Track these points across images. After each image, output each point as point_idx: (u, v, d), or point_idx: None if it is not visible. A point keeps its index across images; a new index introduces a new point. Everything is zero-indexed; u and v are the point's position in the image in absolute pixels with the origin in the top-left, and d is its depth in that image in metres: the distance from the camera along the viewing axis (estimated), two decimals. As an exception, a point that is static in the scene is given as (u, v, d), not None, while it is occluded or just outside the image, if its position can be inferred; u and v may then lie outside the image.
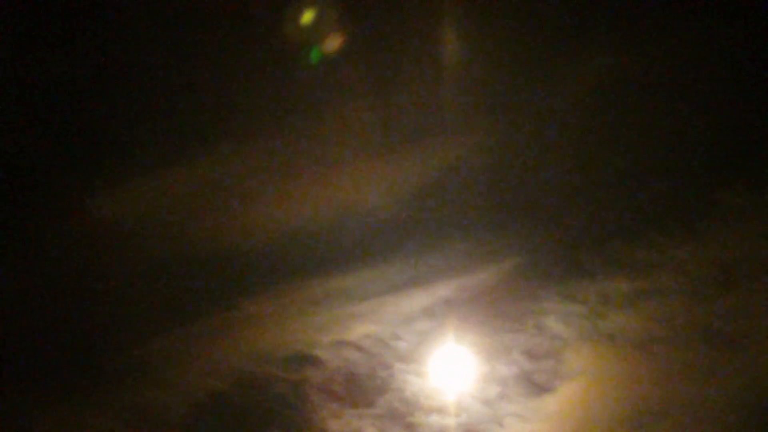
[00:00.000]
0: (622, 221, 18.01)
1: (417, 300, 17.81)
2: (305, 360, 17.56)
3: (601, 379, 17.32)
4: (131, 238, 17.45)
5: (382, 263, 17.88)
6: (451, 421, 17.22)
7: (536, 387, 17.40)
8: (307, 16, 17.79)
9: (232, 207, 17.81)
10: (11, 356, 16.85)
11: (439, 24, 18.13)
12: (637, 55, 18.39)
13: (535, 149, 18.07)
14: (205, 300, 17.54)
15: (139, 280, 17.40)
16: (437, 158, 18.07)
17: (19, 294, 17.10)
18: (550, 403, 17.25)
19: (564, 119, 18.09)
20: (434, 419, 17.22)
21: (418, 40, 18.15)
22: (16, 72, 17.60)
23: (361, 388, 17.51)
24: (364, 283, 17.85)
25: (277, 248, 17.68)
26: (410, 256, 17.89)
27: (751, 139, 18.04)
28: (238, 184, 17.91)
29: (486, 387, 17.46)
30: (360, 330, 17.72)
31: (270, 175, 17.94)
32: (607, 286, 17.75)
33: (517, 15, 18.05)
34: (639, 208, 18.04)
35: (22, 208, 17.68)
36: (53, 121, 17.90)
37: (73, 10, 17.68)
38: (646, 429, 16.96)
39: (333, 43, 17.86)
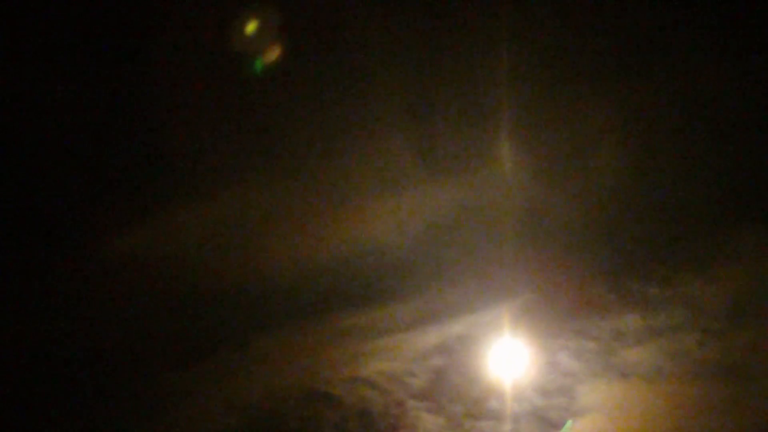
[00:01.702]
0: (635, 258, 18.14)
1: (431, 337, 17.91)
2: (319, 397, 17.61)
3: (613, 416, 17.31)
4: (147, 274, 17.66)
5: (396, 300, 18.02)
6: (464, 457, 17.25)
7: (549, 424, 17.40)
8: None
9: (247, 245, 18.02)
10: (28, 388, 16.97)
11: (456, 64, 18.48)
12: (649, 95, 18.65)
13: (548, 187, 18.25)
14: (220, 336, 17.68)
15: (154, 316, 17.57)
16: (450, 196, 18.31)
17: (34, 328, 17.27)
18: (564, 439, 17.29)
19: (577, 158, 18.31)
20: (448, 455, 17.27)
21: (432, 80, 18.47)
22: (38, 109, 17.93)
23: (375, 425, 17.54)
24: (378, 320, 17.98)
25: (291, 285, 17.86)
26: (424, 293, 18.03)
27: (761, 177, 18.23)
28: (252, 222, 18.15)
29: (499, 424, 17.46)
30: (374, 367, 17.79)
31: (285, 213, 18.19)
32: (620, 322, 17.83)
33: (537, 52, 18.36)
34: (651, 245, 18.17)
35: (42, 244, 17.91)
36: (74, 160, 18.18)
37: (91, 47, 18.03)
38: (659, 464, 16.97)
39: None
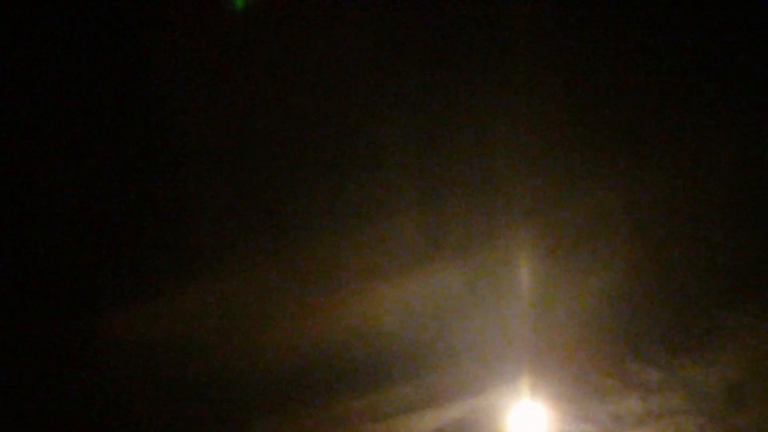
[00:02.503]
0: (633, 343, 18.19)
1: (430, 421, 17.89)
2: (318, 482, 17.58)
3: (614, 500, 17.38)
4: (138, 359, 17.56)
5: (398, 384, 18.01)
6: None
7: None
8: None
9: (242, 327, 17.98)
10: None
11: (466, 140, 18.60)
12: (637, 180, 18.78)
13: (546, 275, 18.31)
14: (217, 422, 17.58)
15: (150, 399, 17.46)
16: (455, 277, 18.33)
17: (28, 408, 17.14)
18: None
19: (573, 244, 18.40)
20: None
21: (440, 158, 18.54)
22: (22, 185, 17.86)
23: None
24: (380, 403, 17.95)
25: (288, 369, 17.81)
26: (423, 377, 18.01)
27: (755, 260, 18.36)
28: (248, 304, 18.10)
29: None
30: (373, 451, 17.78)
31: (286, 293, 18.15)
32: (620, 406, 17.85)
33: (548, 128, 18.49)
34: (649, 330, 18.24)
35: (31, 327, 17.78)
36: (61, 240, 18.10)
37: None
38: None
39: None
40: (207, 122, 18.73)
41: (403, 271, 18.33)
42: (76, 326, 17.91)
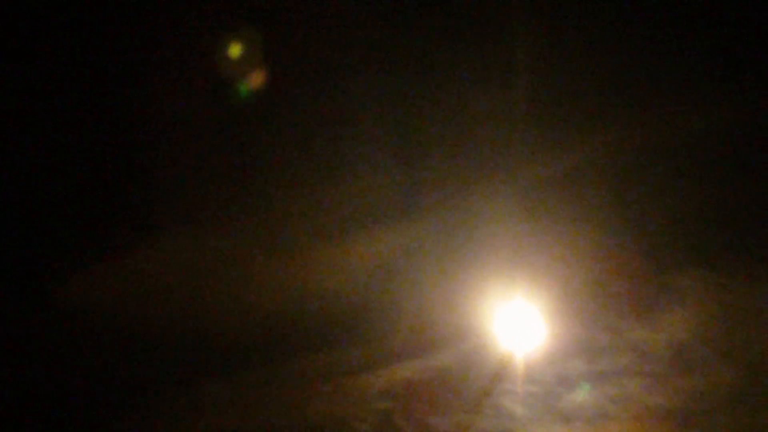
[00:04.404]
0: (581, 305, 18.24)
1: (378, 381, 18.07)
2: (266, 442, 17.84)
3: (556, 460, 17.46)
4: (93, 317, 17.88)
5: (343, 345, 18.21)
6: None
7: (492, 469, 17.55)
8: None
9: (194, 289, 18.22)
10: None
11: (400, 105, 18.74)
12: (586, 147, 18.86)
13: (493, 231, 18.43)
14: (165, 381, 17.88)
15: (98, 359, 17.79)
16: (399, 241, 18.48)
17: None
18: (504, 483, 17.42)
19: (512, 208, 18.53)
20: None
21: (370, 123, 18.70)
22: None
23: (319, 470, 17.74)
24: (326, 364, 18.15)
25: (235, 332, 18.07)
26: (371, 338, 18.20)
27: (700, 222, 18.35)
28: (201, 266, 18.36)
29: (443, 470, 17.64)
30: (321, 411, 17.94)
31: (234, 257, 18.41)
32: (566, 367, 17.93)
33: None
34: (597, 292, 18.29)
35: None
36: (21, 196, 18.43)
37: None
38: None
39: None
40: (173, 79, 19.00)
41: (347, 235, 18.53)
42: (35, 285, 18.29)
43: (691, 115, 18.83)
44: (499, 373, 17.91)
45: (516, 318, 18.07)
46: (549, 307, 18.16)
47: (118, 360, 17.86)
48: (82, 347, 18.00)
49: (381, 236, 18.32)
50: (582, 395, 17.43)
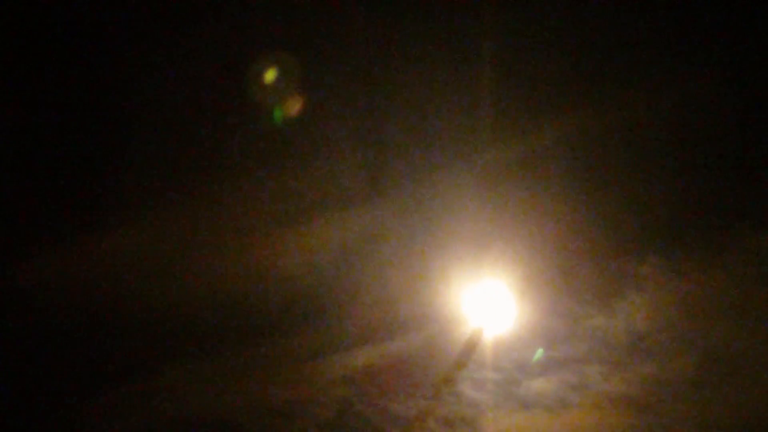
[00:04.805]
0: (540, 293, 18.30)
1: (337, 366, 18.07)
2: (225, 426, 17.76)
3: (516, 446, 17.57)
4: (54, 301, 17.72)
5: (303, 330, 18.16)
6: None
7: (452, 454, 17.64)
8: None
9: (155, 274, 18.08)
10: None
11: (362, 91, 18.65)
12: (548, 132, 18.88)
13: (452, 217, 18.43)
14: (126, 366, 17.78)
15: (59, 343, 17.65)
16: (357, 226, 18.43)
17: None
18: (465, 469, 17.52)
19: (472, 194, 18.53)
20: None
21: (339, 107, 18.63)
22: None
23: (280, 455, 17.76)
24: (285, 350, 18.11)
25: (195, 317, 17.97)
26: (330, 323, 18.18)
27: (661, 211, 18.44)
28: (161, 251, 18.21)
29: (403, 455, 17.72)
30: (280, 396, 17.94)
31: (193, 241, 18.27)
32: (524, 354, 18.03)
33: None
34: (555, 280, 18.35)
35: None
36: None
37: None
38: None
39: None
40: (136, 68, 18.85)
41: (306, 220, 18.46)
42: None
43: (654, 101, 18.85)
44: (460, 360, 17.93)
45: (477, 304, 18.08)
46: (509, 293, 18.18)
47: (76, 346, 17.70)
48: (34, 330, 17.81)
49: (343, 221, 18.24)
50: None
